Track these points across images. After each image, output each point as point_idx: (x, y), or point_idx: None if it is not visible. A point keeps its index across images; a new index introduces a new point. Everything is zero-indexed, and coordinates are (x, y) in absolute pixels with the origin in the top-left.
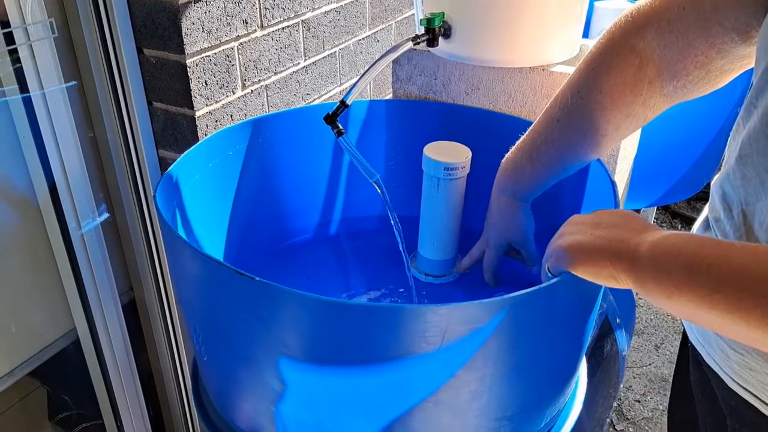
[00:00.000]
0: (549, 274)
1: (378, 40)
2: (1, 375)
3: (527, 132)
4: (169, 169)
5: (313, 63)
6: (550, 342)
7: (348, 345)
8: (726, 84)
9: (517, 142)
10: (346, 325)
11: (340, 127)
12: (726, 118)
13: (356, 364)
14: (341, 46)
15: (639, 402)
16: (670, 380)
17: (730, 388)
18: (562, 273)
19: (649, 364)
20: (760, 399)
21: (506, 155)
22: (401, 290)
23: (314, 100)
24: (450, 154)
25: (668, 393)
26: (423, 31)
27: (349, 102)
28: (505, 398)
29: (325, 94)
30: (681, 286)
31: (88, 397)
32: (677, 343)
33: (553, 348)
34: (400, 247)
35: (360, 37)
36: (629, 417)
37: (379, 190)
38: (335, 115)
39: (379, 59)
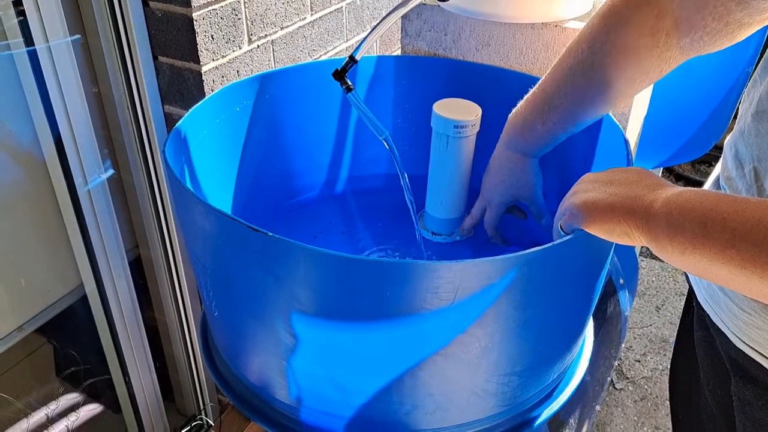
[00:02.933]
0: (562, 232)
1: None
2: (9, 330)
3: (536, 86)
4: (177, 124)
5: (319, 18)
6: (560, 299)
7: (361, 300)
8: (741, 41)
9: (526, 96)
10: (360, 280)
11: (349, 83)
12: (736, 78)
13: (369, 320)
14: (348, 1)
15: (639, 362)
16: (670, 341)
17: (736, 347)
18: (575, 231)
19: (650, 325)
20: (766, 357)
21: (514, 110)
22: (408, 249)
23: (320, 56)
24: (460, 112)
25: (668, 353)
26: None
27: (358, 57)
28: (515, 354)
29: (332, 50)
30: (695, 241)
31: (95, 352)
32: (678, 304)
33: (563, 305)
34: (409, 206)
35: None
36: (629, 376)
37: (388, 148)
38: (344, 71)
39: (388, 14)
